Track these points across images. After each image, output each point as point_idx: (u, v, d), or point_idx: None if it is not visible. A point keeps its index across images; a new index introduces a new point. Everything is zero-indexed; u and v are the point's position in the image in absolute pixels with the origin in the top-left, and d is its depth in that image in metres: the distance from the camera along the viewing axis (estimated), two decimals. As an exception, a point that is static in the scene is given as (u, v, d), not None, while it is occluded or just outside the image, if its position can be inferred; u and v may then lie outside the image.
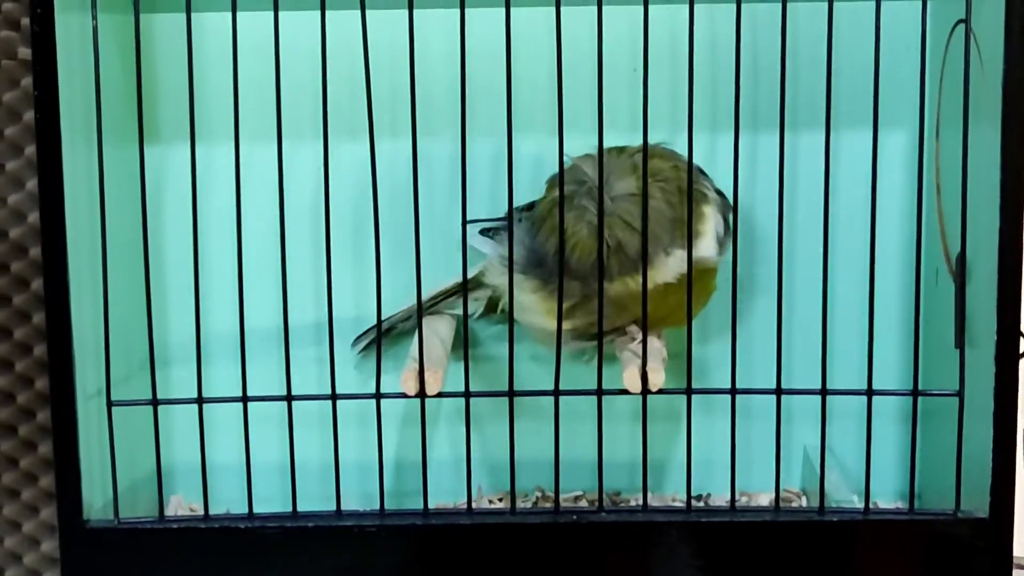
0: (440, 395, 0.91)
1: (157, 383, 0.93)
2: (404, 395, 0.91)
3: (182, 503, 1.12)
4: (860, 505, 0.93)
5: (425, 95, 0.94)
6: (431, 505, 1.08)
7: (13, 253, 1.12)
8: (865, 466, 0.92)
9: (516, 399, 0.92)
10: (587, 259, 0.93)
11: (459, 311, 0.98)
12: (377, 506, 0.94)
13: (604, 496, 1.11)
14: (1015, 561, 0.91)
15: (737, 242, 0.90)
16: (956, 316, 0.93)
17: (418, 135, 0.90)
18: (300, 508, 0.93)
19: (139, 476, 1.01)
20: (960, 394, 0.90)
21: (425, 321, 0.98)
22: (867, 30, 0.88)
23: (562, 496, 1.10)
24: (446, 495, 1.13)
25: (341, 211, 1.04)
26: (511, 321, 0.90)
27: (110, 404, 0.91)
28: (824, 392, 0.91)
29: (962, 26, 0.88)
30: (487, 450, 1.12)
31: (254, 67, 0.92)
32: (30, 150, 1.10)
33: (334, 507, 0.94)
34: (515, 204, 0.95)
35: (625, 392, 0.91)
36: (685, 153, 0.90)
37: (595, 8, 0.86)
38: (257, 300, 1.02)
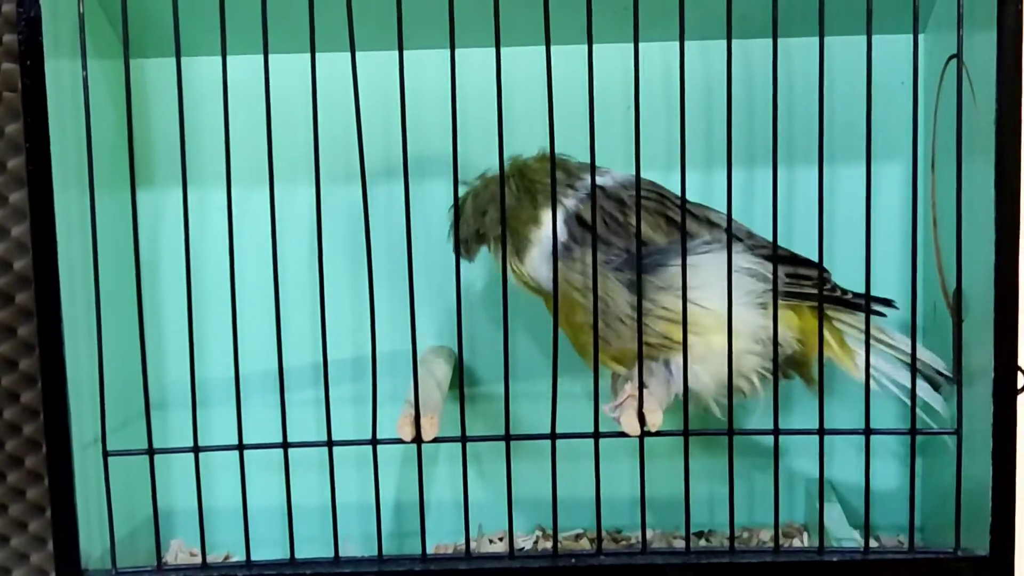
0: (437, 440, 0.90)
1: (155, 427, 0.92)
2: (400, 441, 0.90)
3: (183, 547, 1.12)
4: (861, 542, 0.93)
5: (418, 136, 0.93)
6: (433, 546, 1.08)
7: (18, 285, 1.12)
8: (864, 505, 0.91)
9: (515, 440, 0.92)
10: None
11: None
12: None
13: (605, 535, 1.11)
14: (1018, 598, 0.90)
15: (732, 279, 0.89)
16: (953, 353, 0.92)
17: (412, 176, 0.90)
18: (302, 549, 0.93)
19: (138, 522, 1.01)
20: (958, 432, 0.89)
21: (421, 363, 0.98)
22: (861, 64, 0.87)
23: (563, 534, 1.11)
24: (448, 535, 1.13)
25: (337, 253, 1.04)
26: (506, 364, 0.90)
27: (106, 454, 0.91)
28: (822, 432, 0.90)
29: (955, 60, 0.88)
30: (487, 489, 1.11)
31: (248, 110, 0.92)
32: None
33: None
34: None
35: (623, 435, 0.90)
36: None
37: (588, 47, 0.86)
38: (255, 343, 1.02)
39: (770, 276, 0.92)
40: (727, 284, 0.88)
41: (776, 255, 0.90)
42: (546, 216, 0.94)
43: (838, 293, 0.96)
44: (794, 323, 0.96)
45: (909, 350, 0.91)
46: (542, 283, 0.95)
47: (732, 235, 0.89)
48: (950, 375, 0.97)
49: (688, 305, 0.89)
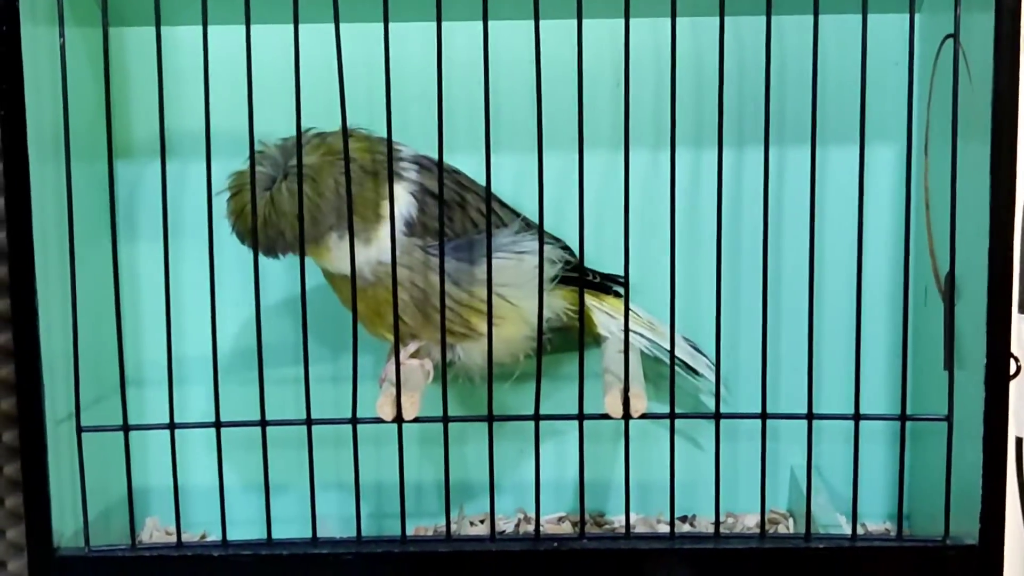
0: (417, 420, 0.89)
1: (132, 404, 0.91)
2: (380, 420, 0.89)
3: (158, 525, 1.10)
4: (847, 528, 0.92)
5: (402, 109, 0.92)
6: (413, 528, 1.07)
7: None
8: (852, 491, 0.90)
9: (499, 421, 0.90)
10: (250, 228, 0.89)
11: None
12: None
13: (588, 518, 1.10)
14: (1005, 588, 0.89)
15: (721, 264, 0.88)
16: (945, 338, 0.91)
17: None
18: (279, 529, 0.92)
19: (113, 500, 1.00)
20: (949, 419, 0.88)
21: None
22: (855, 44, 0.86)
23: (545, 518, 1.09)
24: (429, 517, 1.11)
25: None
26: (490, 343, 0.89)
27: (79, 430, 0.90)
28: (810, 417, 0.88)
29: (951, 41, 0.87)
30: (469, 471, 1.10)
31: (229, 81, 0.90)
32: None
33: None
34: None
35: (607, 417, 0.89)
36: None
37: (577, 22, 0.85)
38: (233, 319, 1.00)
39: (556, 261, 0.99)
40: (538, 279, 0.91)
41: (542, 237, 0.90)
42: (396, 189, 0.91)
43: (589, 276, 1.03)
44: (568, 299, 1.01)
45: (647, 318, 1.05)
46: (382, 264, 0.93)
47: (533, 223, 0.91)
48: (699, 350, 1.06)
49: (498, 300, 0.92)
